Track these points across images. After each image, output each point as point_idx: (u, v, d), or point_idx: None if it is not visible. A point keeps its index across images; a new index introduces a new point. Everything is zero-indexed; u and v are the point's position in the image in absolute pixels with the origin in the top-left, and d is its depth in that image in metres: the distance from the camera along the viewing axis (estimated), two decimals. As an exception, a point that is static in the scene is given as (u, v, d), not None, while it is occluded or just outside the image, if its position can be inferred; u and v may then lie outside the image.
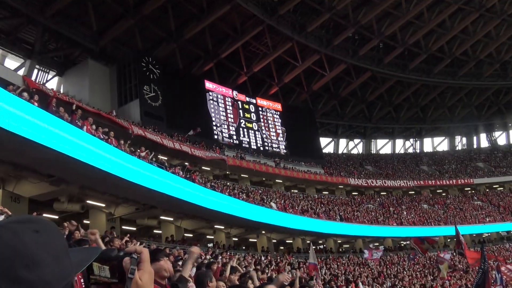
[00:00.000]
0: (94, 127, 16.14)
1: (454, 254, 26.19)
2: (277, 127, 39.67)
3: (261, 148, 37.34)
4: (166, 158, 23.90)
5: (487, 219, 40.13)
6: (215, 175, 31.64)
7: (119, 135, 18.51)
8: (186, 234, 24.64)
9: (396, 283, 19.44)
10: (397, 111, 50.44)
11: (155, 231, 23.79)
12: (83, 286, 2.95)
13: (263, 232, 28.51)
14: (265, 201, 29.19)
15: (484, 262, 11.58)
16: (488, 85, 48.38)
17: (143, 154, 18.81)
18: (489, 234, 40.53)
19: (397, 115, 50.71)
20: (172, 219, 22.92)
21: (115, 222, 19.71)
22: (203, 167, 30.31)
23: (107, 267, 0.94)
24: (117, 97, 29.96)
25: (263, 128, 38.45)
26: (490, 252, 34.66)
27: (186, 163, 26.26)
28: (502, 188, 47.96)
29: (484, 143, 56.59)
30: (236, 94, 37.49)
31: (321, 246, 32.28)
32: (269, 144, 38.42)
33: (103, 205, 18.81)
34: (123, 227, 20.36)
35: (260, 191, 32.42)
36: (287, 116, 40.24)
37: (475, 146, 56.14)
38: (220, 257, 14.13)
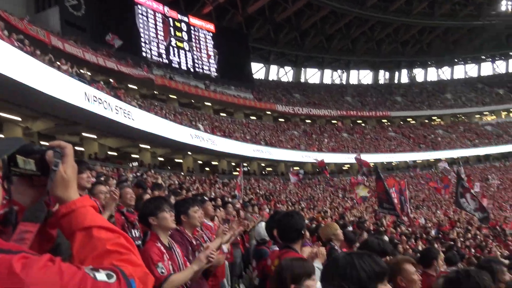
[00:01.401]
0: (6, 33, 14.70)
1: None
2: (208, 48, 38.69)
3: (191, 70, 36.53)
4: (89, 74, 22.66)
5: (398, 149, 43.80)
6: (142, 94, 30.76)
7: (34, 46, 17.04)
8: (110, 152, 24.29)
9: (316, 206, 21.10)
10: (328, 42, 51.03)
11: (76, 148, 23.10)
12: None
13: (189, 153, 28.87)
14: (193, 122, 29.24)
15: (385, 186, 12.65)
16: (415, 23, 49.90)
17: (64, 67, 17.68)
18: (398, 162, 44.39)
19: (329, 45, 51.38)
20: (95, 136, 22.34)
21: (33, 137, 18.81)
22: (129, 85, 29.24)
23: (32, 161, 0.96)
24: (33, 1, 27.06)
25: (194, 48, 37.33)
26: (397, 178, 38.25)
27: (111, 80, 25.16)
28: (414, 122, 52.01)
29: (405, 78, 59.87)
30: (168, 10, 35.54)
31: (245, 169, 33.45)
32: (200, 66, 37.64)
33: (19, 119, 17.77)
34: (42, 142, 19.51)
35: (188, 113, 32.27)
36: (219, 38, 39.23)
37: (396, 81, 59.22)
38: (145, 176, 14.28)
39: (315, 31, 48.90)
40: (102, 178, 8.14)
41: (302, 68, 54.23)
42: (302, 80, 54.15)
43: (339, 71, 56.75)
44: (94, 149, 22.44)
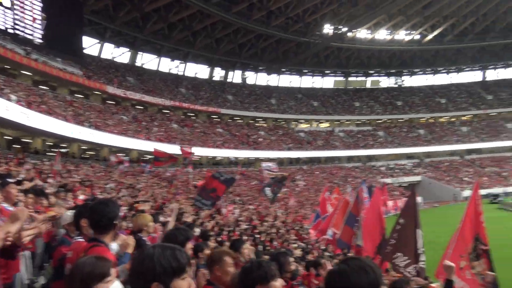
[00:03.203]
0: None
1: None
2: (35, 10, 34.21)
3: (11, 31, 31.88)
4: None
5: (224, 145, 46.07)
6: None
7: None
8: None
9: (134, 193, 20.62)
10: (170, 30, 50.46)
11: None
12: None
13: (-4, 126, 25.23)
14: (4, 91, 25.61)
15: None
16: (253, 28, 53.06)
17: None
18: (222, 157, 46.71)
19: (170, 33, 50.83)
20: None
21: None
22: None
23: None
24: None
25: (17, 7, 32.61)
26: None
27: None
28: (241, 121, 55.42)
29: (237, 79, 63.19)
30: (-14, -44, 30.29)
31: (64, 150, 30.74)
32: (22, 29, 33.08)
33: None
34: None
35: (1, 80, 28.11)
36: (50, 1, 35.06)
37: (229, 80, 62.07)
38: None
39: (158, 17, 47.83)
40: None
41: (140, 52, 52.43)
42: (138, 64, 52.41)
43: (177, 61, 56.69)
44: None
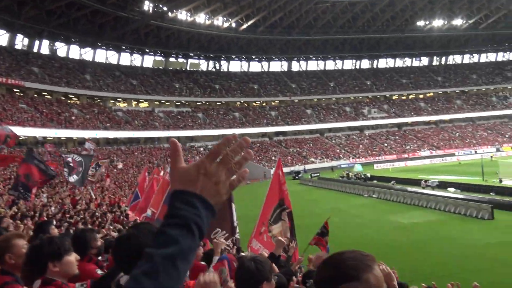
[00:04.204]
0: None
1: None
2: None
3: None
4: None
5: (28, 123, 40.89)
6: None
7: None
8: None
9: None
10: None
11: None
12: None
13: None
14: None
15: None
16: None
17: None
18: (27, 137, 41.39)
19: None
20: None
21: None
22: None
23: None
24: None
25: None
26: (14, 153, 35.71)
27: None
28: (50, 97, 49.98)
29: (45, 50, 56.48)
30: None
31: None
32: None
33: None
34: None
35: None
36: None
37: (35, 50, 55.04)
38: None
39: None
40: None
41: None
42: None
43: (-35, 22, 47.48)
44: None
